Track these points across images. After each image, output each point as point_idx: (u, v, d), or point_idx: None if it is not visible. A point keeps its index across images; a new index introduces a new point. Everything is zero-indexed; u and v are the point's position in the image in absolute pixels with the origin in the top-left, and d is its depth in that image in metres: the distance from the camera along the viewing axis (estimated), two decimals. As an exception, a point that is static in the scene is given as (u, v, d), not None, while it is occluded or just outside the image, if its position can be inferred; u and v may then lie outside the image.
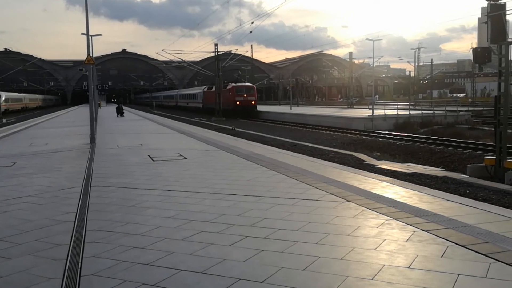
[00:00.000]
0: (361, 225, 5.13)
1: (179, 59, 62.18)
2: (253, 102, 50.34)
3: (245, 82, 55.49)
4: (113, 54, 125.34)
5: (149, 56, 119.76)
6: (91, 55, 18.70)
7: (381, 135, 24.44)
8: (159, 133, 21.16)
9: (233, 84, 51.89)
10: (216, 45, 52.85)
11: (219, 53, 53.61)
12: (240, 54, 63.18)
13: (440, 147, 18.21)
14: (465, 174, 12.75)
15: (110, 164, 11.01)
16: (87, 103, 22.91)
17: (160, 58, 64.66)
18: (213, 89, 54.45)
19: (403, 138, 22.13)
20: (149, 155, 12.29)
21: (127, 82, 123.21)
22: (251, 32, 45.88)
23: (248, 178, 8.36)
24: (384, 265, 3.90)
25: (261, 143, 16.54)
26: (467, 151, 16.80)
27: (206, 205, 6.37)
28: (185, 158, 11.63)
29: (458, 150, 17.12)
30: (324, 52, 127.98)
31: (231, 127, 31.07)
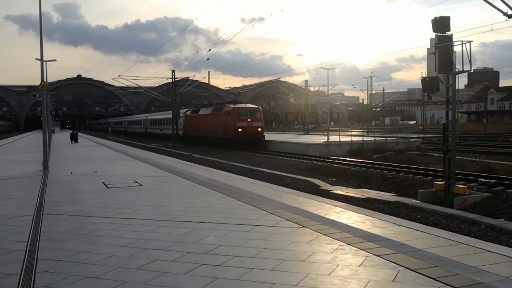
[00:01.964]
0: (316, 250, 5.19)
1: (135, 85, 61.60)
2: (259, 129, 36.58)
3: (246, 103, 41.13)
4: (68, 79, 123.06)
5: (105, 82, 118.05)
6: (45, 80, 18.31)
7: (336, 161, 24.89)
8: (114, 160, 20.76)
9: (232, 106, 37.98)
10: (173, 71, 52.76)
11: (176, 79, 53.51)
12: (198, 81, 63.35)
13: (392, 172, 18.71)
14: (416, 199, 13.13)
15: (63, 191, 10.71)
16: (41, 129, 22.30)
17: (116, 84, 63.75)
18: (200, 112, 44.90)
19: (357, 164, 22.62)
20: (103, 182, 12.03)
21: (82, 107, 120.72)
22: (208, 59, 46.17)
23: (205, 205, 8.32)
24: (338, 290, 3.96)
25: (218, 169, 16.51)
26: (418, 176, 17.34)
27: (161, 232, 6.29)
28: (141, 185, 11.46)
29: (410, 176, 17.64)
30: (280, 79, 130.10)
31: (188, 153, 30.86)
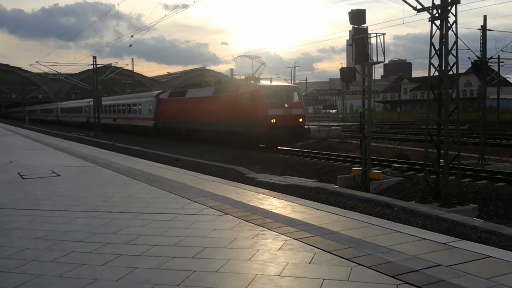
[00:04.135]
0: (238, 236, 5.28)
1: (55, 71, 58.64)
2: (301, 120, 24.80)
3: (270, 80, 26.91)
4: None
5: (22, 68, 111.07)
6: None
7: (261, 148, 25.25)
8: (31, 149, 19.67)
9: (258, 83, 25.49)
10: (94, 57, 50.75)
11: (98, 65, 51.52)
12: (121, 67, 61.33)
13: (314, 159, 19.32)
14: (336, 185, 13.69)
15: (-30, 183, 10.01)
16: None
17: (34, 70, 60.25)
18: (189, 94, 31.64)
19: (281, 151, 23.08)
20: (18, 173, 11.39)
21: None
22: (130, 45, 44.74)
23: (126, 195, 8.15)
24: (257, 274, 4.06)
25: (142, 159, 16.17)
26: (338, 163, 18.04)
27: (79, 224, 6.09)
28: (59, 175, 10.98)
29: (330, 162, 18.30)
30: (206, 67, 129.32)
31: (111, 142, 29.92)
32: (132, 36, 44.28)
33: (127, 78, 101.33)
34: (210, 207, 6.87)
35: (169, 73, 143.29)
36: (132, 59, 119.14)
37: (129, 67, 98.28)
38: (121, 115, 45.62)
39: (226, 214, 6.42)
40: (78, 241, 5.25)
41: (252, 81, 26.09)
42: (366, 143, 13.33)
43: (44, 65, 52.51)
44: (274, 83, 26.16)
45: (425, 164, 10.80)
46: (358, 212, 8.59)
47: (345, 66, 16.38)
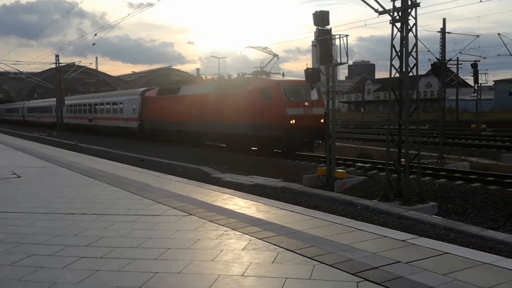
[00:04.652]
0: (201, 237, 5.27)
1: (16, 70, 56.97)
2: (322, 121, 18.72)
3: (282, 74, 23.97)
4: None
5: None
6: None
7: (224, 148, 25.21)
8: (-13, 150, 19.06)
9: (273, 79, 22.00)
10: (57, 56, 49.52)
11: (61, 64, 50.33)
12: (84, 66, 60.01)
13: (280, 159, 19.43)
14: (301, 184, 13.82)
15: None
16: None
17: (-5, 69, 58.19)
18: (182, 92, 27.89)
19: (248, 151, 23.11)
20: (-26, 175, 11.03)
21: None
22: (94, 44, 43.90)
23: (88, 196, 8.01)
24: (220, 275, 4.07)
25: (106, 159, 15.91)
26: (303, 162, 18.21)
27: (39, 226, 5.96)
28: (19, 176, 10.69)
29: (296, 162, 18.45)
30: (172, 67, 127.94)
31: (74, 143, 29.30)
32: (95, 35, 43.67)
33: (91, 77, 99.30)
34: (174, 208, 6.84)
35: (134, 72, 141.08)
36: (96, 58, 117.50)
37: (93, 66, 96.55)
38: (98, 115, 40.84)
39: (191, 214, 6.40)
40: (38, 243, 5.14)
41: (264, 76, 22.14)
42: (331, 143, 13.53)
43: (5, 64, 51.10)
44: (292, 78, 22.40)
45: (387, 164, 11.05)
46: (323, 211, 8.70)
47: (310, 67, 16.58)
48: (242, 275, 4.06)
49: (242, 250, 4.78)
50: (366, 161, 16.17)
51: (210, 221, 6.00)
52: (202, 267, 4.28)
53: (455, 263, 4.41)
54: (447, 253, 4.75)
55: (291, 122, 19.54)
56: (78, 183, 9.61)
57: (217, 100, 23.59)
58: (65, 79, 50.37)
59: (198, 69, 68.55)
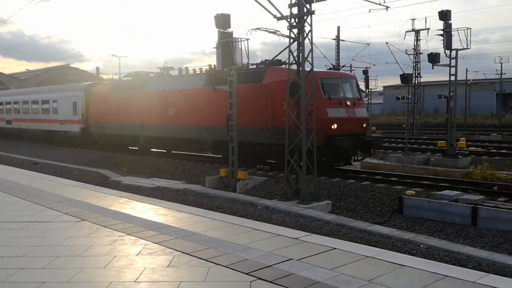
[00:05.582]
0: (94, 243, 5.10)
1: None
2: (365, 125, 15.82)
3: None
4: None
5: None
6: None
7: (129, 150, 24.50)
8: None
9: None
10: None
11: None
12: (-31, 61, 55.09)
13: (183, 161, 19.28)
14: (204, 186, 13.82)
15: None
16: None
17: None
18: (151, 87, 21.08)
19: (150, 153, 22.65)
20: None
21: None
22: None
23: (-31, 204, 7.39)
24: (112, 282, 3.97)
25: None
26: (207, 164, 18.22)
27: None
28: None
29: (199, 164, 18.41)
30: (70, 65, 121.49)
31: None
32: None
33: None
34: (66, 214, 6.53)
35: (28, 70, 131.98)
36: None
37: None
38: (21, 116, 32.49)
39: (84, 220, 6.15)
40: None
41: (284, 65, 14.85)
42: (233, 145, 13.67)
43: None
44: (334, 71, 18.48)
45: (286, 164, 11.42)
46: (224, 212, 8.82)
47: (211, 69, 16.64)
48: (135, 281, 3.99)
49: (137, 255, 4.69)
50: (267, 162, 16.55)
51: (104, 226, 5.81)
52: (93, 275, 4.14)
53: (342, 258, 4.70)
54: (335, 248, 5.05)
55: (332, 127, 14.57)
56: (-42, 189, 8.82)
57: (212, 98, 17.04)
58: None
59: (98, 68, 65.60)
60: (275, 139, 14.49)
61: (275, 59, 15.24)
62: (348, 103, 15.15)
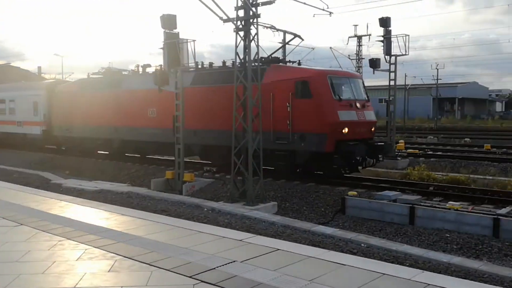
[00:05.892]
0: (32, 248, 4.94)
1: None
2: (373, 129, 14.74)
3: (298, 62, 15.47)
4: None
5: None
6: None
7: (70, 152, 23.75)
8: None
9: (321, 68, 15.05)
10: None
11: None
12: None
13: (128, 163, 18.92)
14: (150, 188, 13.63)
15: None
16: None
17: None
18: (127, 85, 18.84)
19: (94, 156, 22.07)
20: None
21: None
22: None
23: None
24: (50, 288, 3.87)
25: None
26: (152, 166, 17.97)
27: None
28: None
29: (144, 166, 18.12)
30: (10, 64, 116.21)
31: None
32: None
33: None
34: (3, 218, 6.28)
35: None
36: None
37: None
38: None
39: (22, 224, 5.94)
40: None
41: (288, 64, 14.86)
42: (180, 146, 13.57)
43: None
44: (343, 70, 17.14)
45: (232, 166, 11.46)
46: (169, 215, 8.75)
47: (158, 70, 16.42)
48: (75, 287, 3.91)
49: (77, 260, 4.59)
50: (214, 164, 16.54)
51: (44, 231, 5.64)
52: (31, 281, 4.02)
53: (285, 259, 4.80)
54: (279, 249, 5.14)
55: (343, 131, 13.26)
56: None
57: (207, 98, 15.31)
58: None
59: (39, 67, 62.69)
60: (277, 144, 13.46)
61: (271, 57, 14.39)
62: (358, 105, 14.01)
